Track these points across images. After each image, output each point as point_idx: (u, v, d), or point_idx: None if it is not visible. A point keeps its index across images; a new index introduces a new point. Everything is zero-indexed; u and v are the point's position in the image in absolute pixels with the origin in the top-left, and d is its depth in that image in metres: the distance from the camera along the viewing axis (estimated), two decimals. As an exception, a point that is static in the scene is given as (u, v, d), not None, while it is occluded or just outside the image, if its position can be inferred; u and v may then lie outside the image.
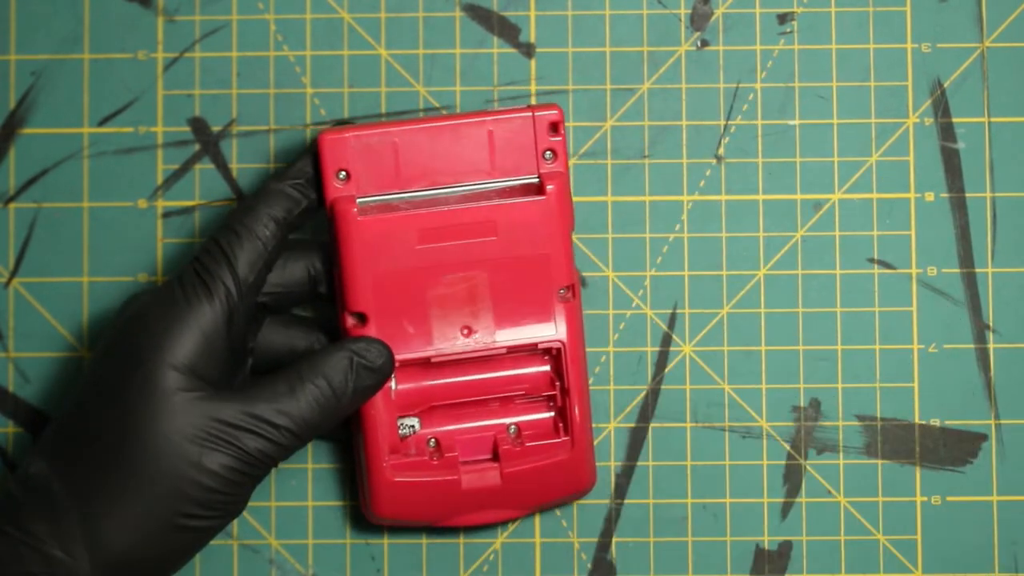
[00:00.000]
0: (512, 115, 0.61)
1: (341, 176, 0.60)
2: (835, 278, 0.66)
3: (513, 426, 0.62)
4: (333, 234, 0.60)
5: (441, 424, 0.62)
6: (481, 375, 0.62)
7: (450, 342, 0.61)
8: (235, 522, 0.65)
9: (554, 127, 0.61)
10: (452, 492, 0.61)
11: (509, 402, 0.63)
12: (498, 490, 0.61)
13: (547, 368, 0.63)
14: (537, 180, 0.61)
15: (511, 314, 0.61)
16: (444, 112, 0.66)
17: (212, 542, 0.64)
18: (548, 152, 0.61)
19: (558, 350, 0.62)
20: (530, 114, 0.61)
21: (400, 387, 0.61)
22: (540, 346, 0.62)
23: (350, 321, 0.60)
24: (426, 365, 0.61)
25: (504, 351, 0.61)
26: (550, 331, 0.61)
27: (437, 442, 0.62)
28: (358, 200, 0.60)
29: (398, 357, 0.60)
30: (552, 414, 0.63)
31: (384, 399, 0.61)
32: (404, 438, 0.61)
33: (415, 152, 0.61)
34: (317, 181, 0.60)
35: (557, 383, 0.62)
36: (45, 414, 0.66)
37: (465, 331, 0.61)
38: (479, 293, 0.61)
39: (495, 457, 0.62)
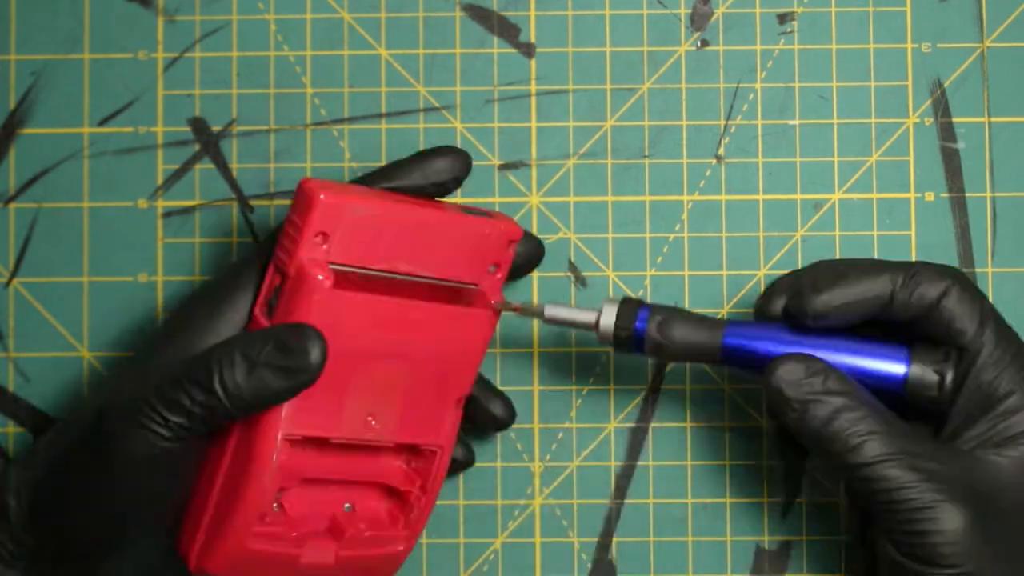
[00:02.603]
0: (478, 222, 0.60)
1: (317, 239, 0.56)
2: (835, 278, 0.66)
3: (349, 505, 0.60)
4: (287, 286, 0.56)
5: (298, 494, 0.59)
6: (358, 457, 0.59)
7: (353, 427, 0.58)
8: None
9: (511, 242, 0.60)
10: (290, 564, 0.58)
11: (369, 488, 0.60)
12: (332, 569, 0.59)
13: (416, 465, 0.60)
14: (475, 288, 0.60)
15: (412, 411, 0.59)
16: (445, 112, 0.66)
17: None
18: (494, 266, 0.61)
19: (433, 453, 0.60)
20: (495, 226, 0.60)
21: (286, 458, 0.57)
22: (421, 446, 0.60)
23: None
24: (320, 443, 0.58)
25: (392, 445, 0.60)
26: (434, 435, 0.60)
27: (281, 507, 0.59)
28: (329, 266, 0.57)
29: (301, 433, 0.57)
30: (393, 505, 0.61)
31: (269, 465, 0.56)
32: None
33: (388, 234, 0.58)
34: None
35: (419, 482, 0.60)
36: (45, 414, 0.66)
37: (370, 419, 0.58)
38: (394, 386, 0.59)
39: (335, 537, 0.59)
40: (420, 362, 0.59)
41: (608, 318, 0.60)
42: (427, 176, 0.60)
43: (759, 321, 0.60)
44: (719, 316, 0.66)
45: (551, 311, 0.60)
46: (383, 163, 0.66)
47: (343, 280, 0.56)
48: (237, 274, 0.58)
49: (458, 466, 0.64)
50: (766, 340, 0.59)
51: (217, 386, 0.54)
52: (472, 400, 0.62)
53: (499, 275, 0.61)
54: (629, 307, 0.60)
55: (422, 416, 0.60)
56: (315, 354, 0.55)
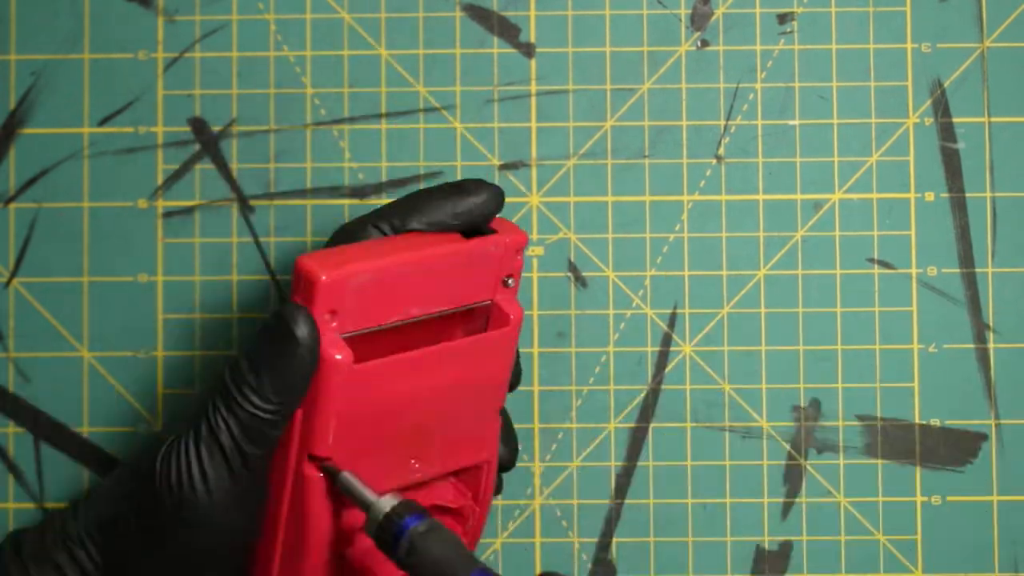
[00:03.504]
0: (484, 245, 0.57)
1: (327, 317, 0.54)
2: (835, 278, 0.66)
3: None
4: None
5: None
6: (408, 494, 0.57)
7: (399, 475, 0.57)
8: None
9: (518, 251, 0.57)
10: None
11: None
12: None
13: (465, 479, 0.59)
14: (490, 304, 0.58)
15: (453, 440, 0.58)
16: (445, 112, 0.66)
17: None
18: (509, 279, 0.58)
19: (479, 467, 0.59)
20: (499, 242, 0.57)
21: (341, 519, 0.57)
22: (468, 466, 0.59)
23: (308, 467, 0.55)
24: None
25: (442, 474, 0.59)
26: (478, 451, 0.59)
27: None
28: (342, 336, 0.54)
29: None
30: (449, 520, 0.59)
31: (324, 527, 0.56)
32: None
33: (395, 286, 0.56)
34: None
35: (470, 494, 0.59)
36: (46, 414, 0.66)
37: (413, 462, 0.57)
38: (431, 427, 0.57)
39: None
40: (453, 397, 0.57)
41: (383, 506, 0.55)
42: (457, 215, 0.57)
43: None
44: (719, 316, 0.66)
45: (345, 477, 0.55)
46: (382, 163, 0.66)
47: (359, 348, 0.55)
48: None
49: (503, 467, 0.61)
50: None
51: (244, 403, 0.54)
52: None
53: (512, 285, 0.58)
54: (407, 508, 0.54)
55: (464, 440, 0.58)
56: (301, 328, 0.53)
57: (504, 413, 0.61)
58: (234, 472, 0.54)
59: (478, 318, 0.58)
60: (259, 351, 0.54)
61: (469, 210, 0.57)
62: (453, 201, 0.57)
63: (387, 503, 0.54)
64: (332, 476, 0.55)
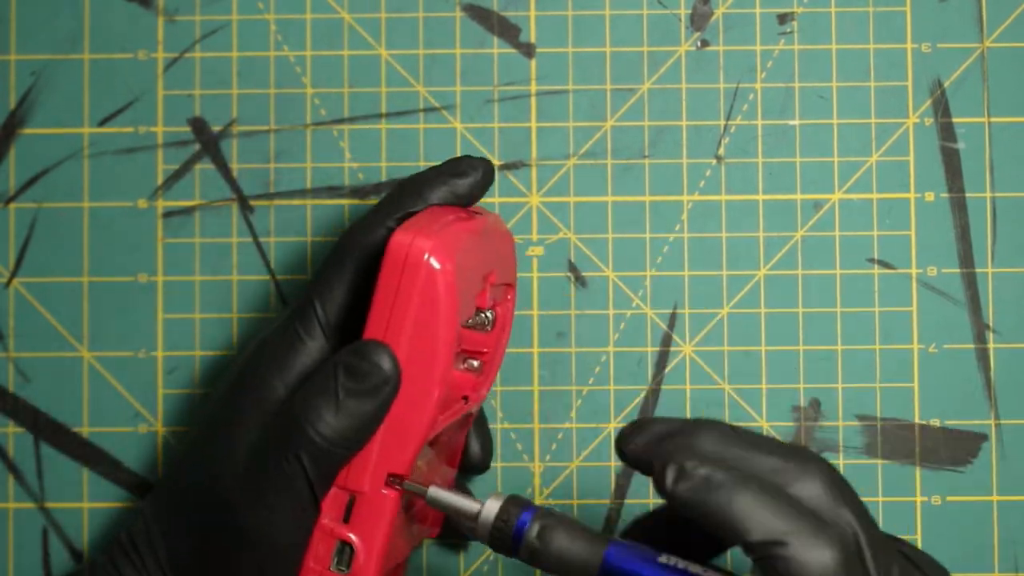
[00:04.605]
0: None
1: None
2: (835, 278, 0.66)
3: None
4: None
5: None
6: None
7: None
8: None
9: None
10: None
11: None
12: None
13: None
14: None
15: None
16: (445, 112, 0.66)
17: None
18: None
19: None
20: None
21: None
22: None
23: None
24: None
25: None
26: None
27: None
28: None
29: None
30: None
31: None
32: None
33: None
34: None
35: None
36: (46, 414, 0.66)
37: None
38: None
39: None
40: None
41: (489, 513, 0.54)
42: (459, 196, 0.58)
43: (642, 545, 0.53)
44: (719, 316, 0.66)
45: (434, 493, 0.55)
46: (382, 163, 0.66)
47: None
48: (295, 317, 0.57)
49: (477, 468, 0.63)
50: (650, 566, 0.52)
51: (316, 438, 0.54)
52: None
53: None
54: (514, 506, 0.54)
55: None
56: (387, 363, 0.54)
57: (481, 415, 0.63)
58: (308, 513, 0.55)
59: None
60: (337, 388, 0.54)
61: (469, 191, 0.58)
62: (452, 183, 0.58)
63: (492, 508, 0.54)
64: (415, 494, 0.55)
